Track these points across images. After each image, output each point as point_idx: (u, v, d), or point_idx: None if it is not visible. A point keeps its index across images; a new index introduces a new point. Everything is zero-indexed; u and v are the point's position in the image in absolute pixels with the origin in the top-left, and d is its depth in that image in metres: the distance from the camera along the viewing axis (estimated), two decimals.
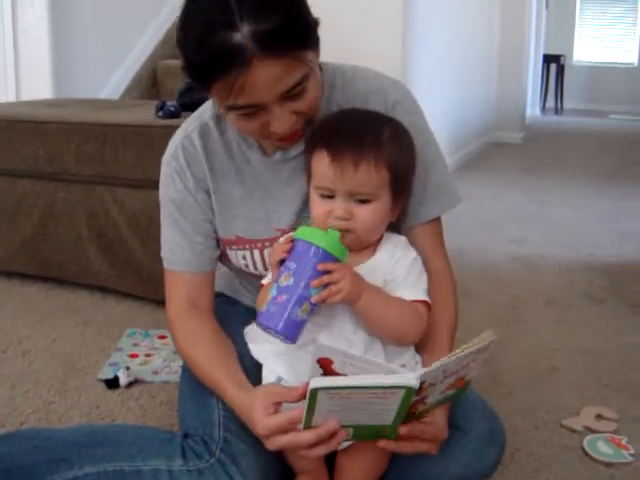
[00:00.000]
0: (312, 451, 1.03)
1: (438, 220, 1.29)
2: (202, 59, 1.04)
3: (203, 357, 1.22)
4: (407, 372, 0.98)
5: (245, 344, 1.24)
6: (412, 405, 0.99)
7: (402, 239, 1.21)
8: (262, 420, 1.04)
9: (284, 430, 1.03)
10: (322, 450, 1.03)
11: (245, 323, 1.27)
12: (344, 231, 1.10)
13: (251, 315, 1.26)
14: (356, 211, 1.10)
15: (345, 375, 1.00)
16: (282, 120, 1.09)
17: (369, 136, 1.10)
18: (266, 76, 1.02)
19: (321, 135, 1.12)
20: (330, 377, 0.99)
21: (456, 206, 1.30)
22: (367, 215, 1.11)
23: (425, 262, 1.22)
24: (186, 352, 1.26)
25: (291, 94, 1.06)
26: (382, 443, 1.05)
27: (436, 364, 0.97)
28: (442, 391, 1.04)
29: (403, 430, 1.02)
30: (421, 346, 1.19)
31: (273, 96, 1.05)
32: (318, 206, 1.12)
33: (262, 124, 1.10)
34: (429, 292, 1.19)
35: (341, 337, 1.13)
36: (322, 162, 1.09)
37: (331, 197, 1.10)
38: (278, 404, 1.05)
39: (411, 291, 1.16)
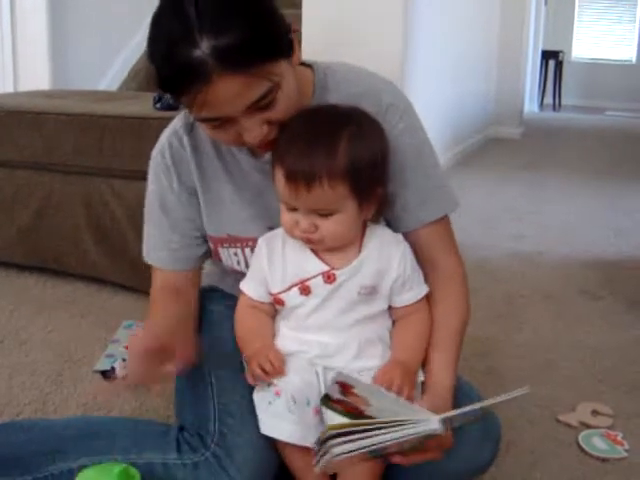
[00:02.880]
0: None
1: (444, 220, 1.26)
2: (166, 74, 1.04)
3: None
4: (426, 413, 0.97)
5: (232, 330, 1.23)
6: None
7: (387, 232, 1.19)
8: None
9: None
10: None
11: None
12: (313, 242, 1.11)
13: None
14: (319, 223, 1.09)
15: (365, 398, 0.99)
16: (253, 131, 1.06)
17: (322, 151, 1.06)
18: (227, 92, 1.00)
19: (278, 150, 1.09)
20: (348, 436, 0.94)
21: (454, 209, 1.27)
22: (331, 227, 1.09)
23: (434, 262, 1.23)
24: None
25: (258, 106, 1.04)
26: (397, 459, 1.04)
27: (462, 410, 0.97)
28: (465, 422, 1.05)
29: None
30: (431, 345, 1.19)
31: (238, 110, 1.03)
32: (285, 217, 1.11)
33: (235, 134, 1.08)
34: (436, 291, 1.22)
35: (335, 335, 1.14)
36: (279, 180, 1.08)
37: (294, 209, 1.09)
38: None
39: (412, 292, 1.18)
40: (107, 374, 1.73)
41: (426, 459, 1.06)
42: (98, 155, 2.20)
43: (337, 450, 0.93)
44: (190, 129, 1.25)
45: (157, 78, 1.07)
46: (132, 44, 3.87)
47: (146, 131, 2.10)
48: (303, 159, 1.05)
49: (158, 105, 2.18)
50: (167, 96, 2.17)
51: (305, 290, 1.13)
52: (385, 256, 1.15)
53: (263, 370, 1.09)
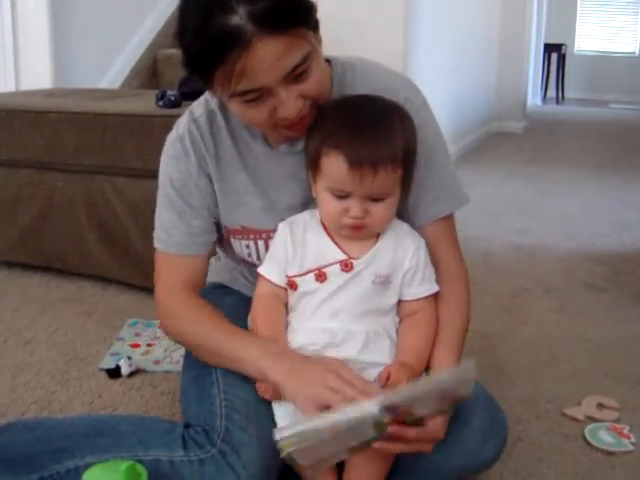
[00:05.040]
0: None
1: (449, 218, 1.28)
2: (201, 46, 1.03)
3: (220, 332, 1.20)
4: (370, 403, 0.98)
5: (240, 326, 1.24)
6: (394, 419, 1.00)
7: (404, 226, 1.22)
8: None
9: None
10: None
11: (244, 316, 1.27)
12: (363, 227, 1.12)
13: (250, 306, 1.25)
14: (371, 208, 1.11)
15: None
16: (288, 103, 1.07)
17: (384, 137, 1.08)
18: (267, 55, 1.01)
19: (331, 136, 1.09)
20: (294, 425, 1.00)
21: (464, 205, 1.29)
22: (382, 212, 1.12)
23: (437, 260, 1.24)
24: (194, 329, 1.23)
25: (295, 74, 1.05)
26: (377, 444, 1.05)
27: (398, 393, 0.99)
28: (433, 407, 1.05)
29: (391, 429, 1.02)
30: (434, 344, 1.20)
31: (276, 77, 1.04)
32: (332, 205, 1.12)
33: (269, 111, 1.08)
34: (440, 289, 1.23)
35: (344, 322, 1.15)
36: (338, 167, 1.08)
37: (345, 196, 1.10)
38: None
39: (422, 287, 1.20)
40: (112, 372, 1.73)
41: (414, 450, 1.07)
42: (100, 153, 2.20)
43: (283, 433, 0.97)
44: (209, 118, 1.25)
45: (187, 56, 1.07)
46: (134, 42, 3.86)
47: (148, 129, 2.10)
48: (368, 145, 1.07)
49: (160, 103, 2.18)
50: (170, 93, 2.18)
51: (321, 277, 1.15)
52: (400, 248, 1.18)
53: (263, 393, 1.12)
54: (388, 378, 1.10)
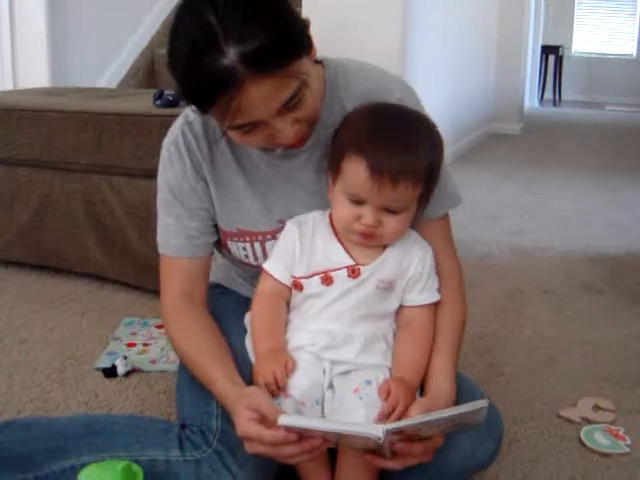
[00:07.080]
0: (293, 459, 1.05)
1: (444, 218, 1.28)
2: (193, 86, 1.03)
3: (197, 352, 1.21)
4: (377, 425, 0.98)
5: (239, 336, 1.25)
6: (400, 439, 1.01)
7: (413, 233, 1.21)
8: (243, 424, 1.04)
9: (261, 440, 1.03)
10: (301, 457, 1.04)
11: (241, 315, 1.27)
12: (373, 236, 1.11)
13: (247, 307, 1.26)
14: (385, 220, 1.10)
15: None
16: (285, 131, 1.08)
17: (410, 152, 1.07)
18: (259, 95, 1.00)
19: (358, 141, 1.09)
20: (301, 417, 1.03)
21: (458, 205, 1.30)
22: (395, 225, 1.12)
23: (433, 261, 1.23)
24: (180, 347, 1.25)
25: (288, 106, 1.05)
26: (368, 457, 1.05)
27: (405, 422, 1.00)
28: (439, 430, 1.05)
29: (398, 447, 1.02)
30: (432, 349, 1.20)
31: (270, 112, 1.04)
32: (346, 209, 1.11)
33: (266, 137, 1.09)
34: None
35: (344, 325, 1.15)
36: (358, 172, 1.07)
37: (360, 202, 1.09)
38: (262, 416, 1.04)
39: (423, 295, 1.20)
40: (108, 372, 1.73)
41: (413, 463, 1.06)
42: (97, 153, 2.20)
43: (286, 420, 0.99)
44: (204, 121, 1.24)
45: (184, 91, 1.06)
46: (132, 41, 3.86)
47: (146, 128, 2.10)
48: (394, 157, 1.06)
49: (158, 102, 2.18)
50: (167, 93, 2.17)
51: (327, 280, 1.15)
52: (407, 256, 1.18)
53: (268, 386, 1.10)
54: (389, 394, 1.09)
